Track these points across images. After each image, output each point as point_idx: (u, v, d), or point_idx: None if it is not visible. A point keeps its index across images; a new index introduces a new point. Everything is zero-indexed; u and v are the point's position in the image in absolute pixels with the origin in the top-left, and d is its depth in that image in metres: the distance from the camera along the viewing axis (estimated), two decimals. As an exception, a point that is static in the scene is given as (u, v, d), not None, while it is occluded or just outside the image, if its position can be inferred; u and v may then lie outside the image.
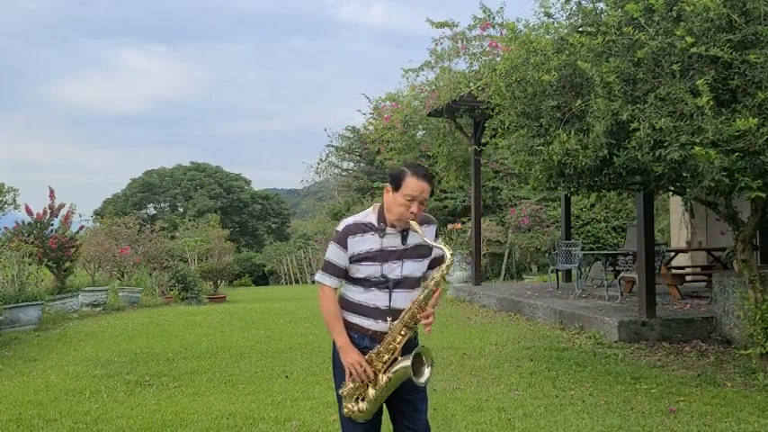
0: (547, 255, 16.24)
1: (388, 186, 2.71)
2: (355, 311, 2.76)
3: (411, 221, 2.68)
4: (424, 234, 2.71)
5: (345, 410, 2.73)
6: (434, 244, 2.76)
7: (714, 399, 5.11)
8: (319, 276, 2.77)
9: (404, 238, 2.74)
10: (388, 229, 2.72)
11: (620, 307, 8.70)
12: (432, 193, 2.75)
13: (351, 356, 2.69)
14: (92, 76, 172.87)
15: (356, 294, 2.76)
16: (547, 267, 14.90)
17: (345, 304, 2.79)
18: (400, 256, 2.72)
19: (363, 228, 2.73)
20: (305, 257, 32.19)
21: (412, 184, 2.65)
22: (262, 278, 34.41)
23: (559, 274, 12.31)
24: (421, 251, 2.77)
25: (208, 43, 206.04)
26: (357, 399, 2.72)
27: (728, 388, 5.45)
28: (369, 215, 2.77)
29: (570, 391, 5.42)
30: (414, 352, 2.67)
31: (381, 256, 2.70)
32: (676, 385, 5.52)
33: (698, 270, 11.15)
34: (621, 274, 9.67)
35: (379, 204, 2.79)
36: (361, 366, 2.66)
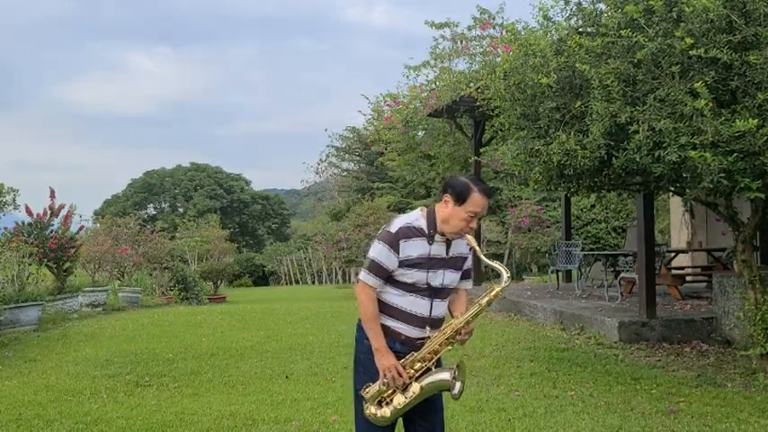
0: (547, 255, 16.23)
1: (448, 197, 2.63)
2: (392, 315, 2.69)
3: (468, 236, 2.72)
4: (473, 245, 2.77)
5: (367, 412, 2.67)
6: (493, 264, 2.79)
7: (714, 399, 5.11)
8: (364, 276, 2.67)
9: (448, 248, 2.70)
10: (437, 237, 2.67)
11: (620, 307, 8.70)
12: None
13: (388, 360, 2.62)
14: (96, 78, 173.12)
15: (395, 298, 2.69)
16: (547, 268, 14.89)
17: (382, 307, 2.70)
18: (443, 265, 2.69)
19: (415, 232, 2.65)
20: (305, 258, 32.22)
21: (478, 200, 2.61)
22: (262, 279, 34.42)
23: (560, 274, 12.30)
24: (458, 263, 2.75)
25: (213, 45, 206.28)
26: (381, 403, 2.66)
27: (729, 388, 5.45)
28: (419, 219, 2.69)
29: (570, 391, 5.41)
30: (456, 364, 2.67)
31: (429, 263, 2.65)
32: (676, 386, 5.52)
33: (698, 270, 11.14)
34: (622, 275, 9.66)
35: (428, 209, 2.73)
36: (398, 371, 2.61)
